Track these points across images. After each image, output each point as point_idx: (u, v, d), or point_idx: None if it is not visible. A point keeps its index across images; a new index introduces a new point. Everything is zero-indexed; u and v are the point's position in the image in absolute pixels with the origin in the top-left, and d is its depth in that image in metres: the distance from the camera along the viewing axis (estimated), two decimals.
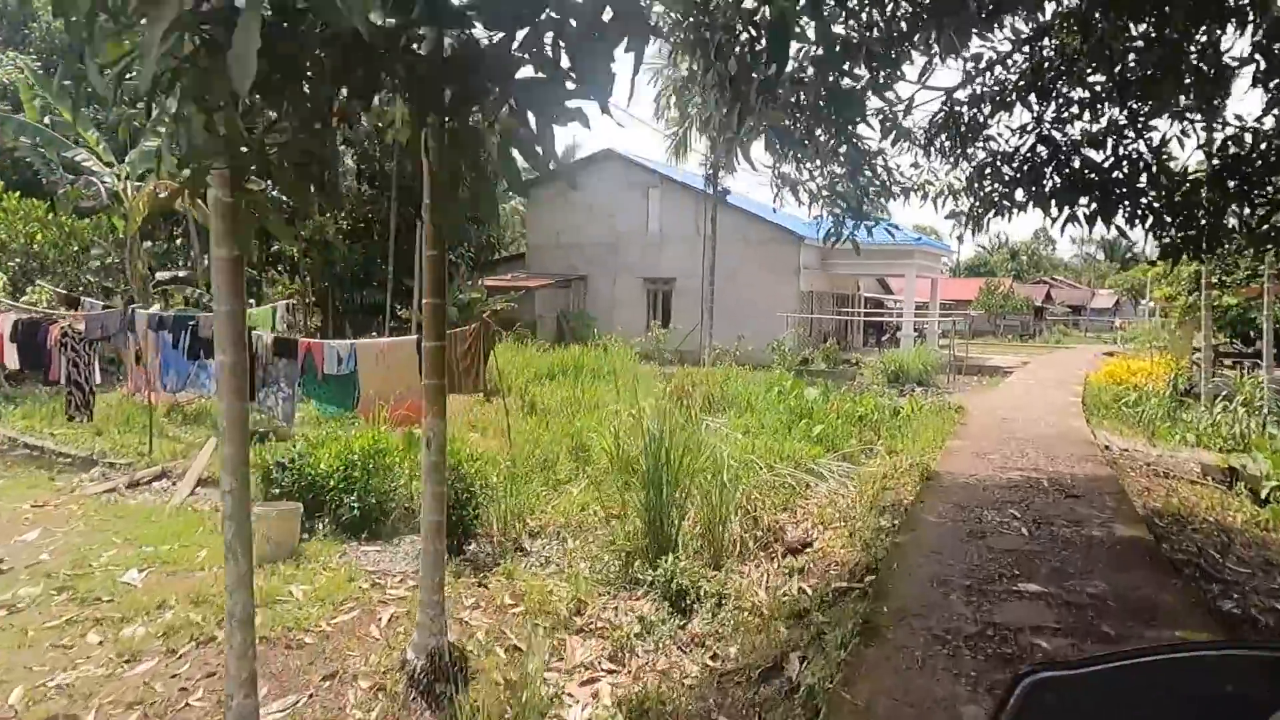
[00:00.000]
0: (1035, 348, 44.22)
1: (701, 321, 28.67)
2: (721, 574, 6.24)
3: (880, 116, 7.21)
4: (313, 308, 28.46)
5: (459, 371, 9.86)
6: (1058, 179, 8.04)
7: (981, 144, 8.32)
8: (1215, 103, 6.76)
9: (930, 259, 29.54)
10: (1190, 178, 7.70)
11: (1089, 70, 7.25)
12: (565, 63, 2.77)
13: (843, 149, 6.86)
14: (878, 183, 7.85)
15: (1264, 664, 1.09)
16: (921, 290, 32.61)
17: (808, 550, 6.63)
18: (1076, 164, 7.99)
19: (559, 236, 32.36)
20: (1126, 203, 7.71)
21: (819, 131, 6.53)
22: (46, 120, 17.05)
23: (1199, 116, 7.17)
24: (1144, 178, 7.55)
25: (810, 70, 5.93)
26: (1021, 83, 7.99)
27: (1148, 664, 1.05)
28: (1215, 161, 7.32)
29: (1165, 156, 7.52)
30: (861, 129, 7.10)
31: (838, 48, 5.26)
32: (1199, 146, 7.62)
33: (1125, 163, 7.61)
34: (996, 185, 8.26)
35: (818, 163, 7.42)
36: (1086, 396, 15.66)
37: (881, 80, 6.93)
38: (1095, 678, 1.05)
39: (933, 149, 8.14)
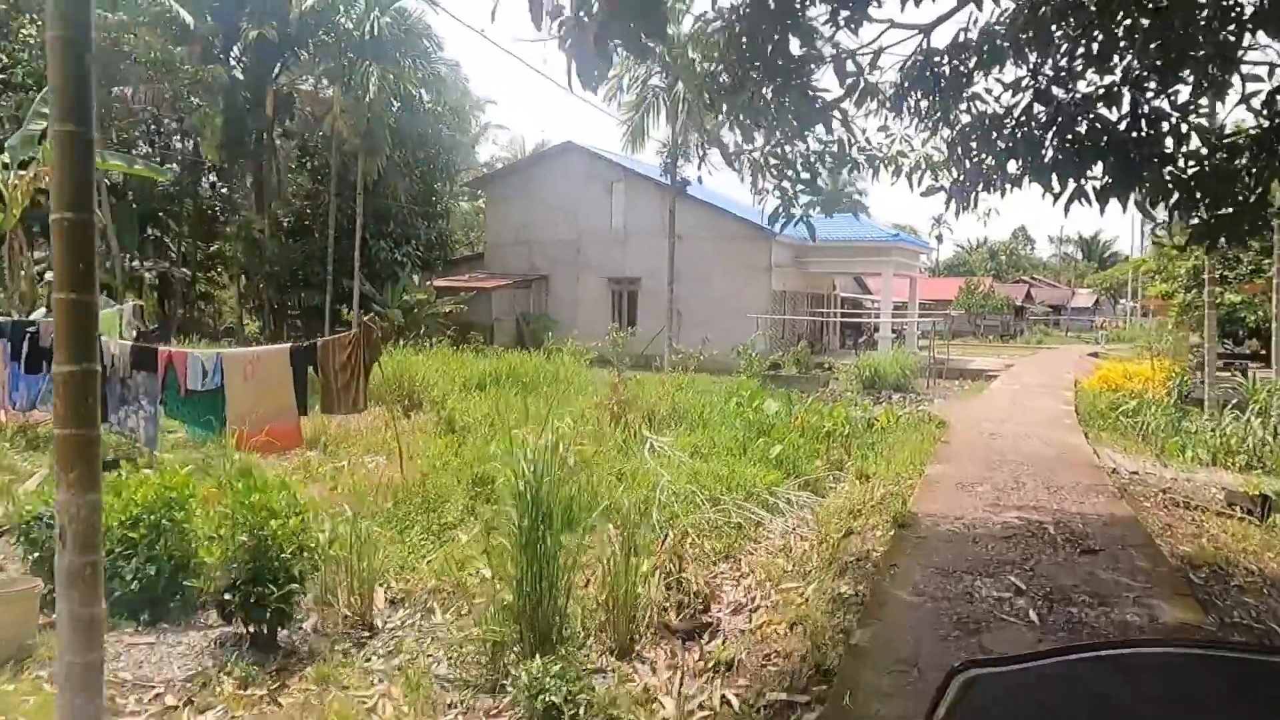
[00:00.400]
0: (1017, 349, 42.98)
1: (669, 323, 27.07)
2: (624, 667, 4.59)
3: (839, 59, 5.58)
4: (252, 312, 26.57)
5: (336, 388, 8.14)
6: (1060, 146, 6.45)
7: (965, 104, 6.71)
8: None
9: (908, 257, 28.09)
10: (1228, 140, 6.12)
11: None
12: None
13: (786, 98, 5.22)
14: (835, 148, 6.23)
15: (1196, 661, 1.10)
16: (900, 290, 31.20)
17: (744, 628, 4.98)
18: (1084, 128, 6.39)
19: (519, 234, 30.63)
20: (1147, 172, 6.13)
21: (754, 73, 4.88)
22: None
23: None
24: (1169, 140, 5.98)
25: None
26: (1014, 27, 6.40)
27: (1079, 661, 1.05)
28: (1263, 119, 5.76)
29: (1195, 110, 5.95)
30: (816, 76, 5.47)
31: None
32: (1241, 100, 6.04)
33: (1145, 122, 6.03)
34: (984, 154, 6.66)
35: (760, 122, 5.79)
36: (1081, 405, 14.18)
37: (843, 16, 5.33)
38: (1027, 674, 1.04)
39: (905, 108, 6.52)
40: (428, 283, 28.19)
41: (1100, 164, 6.25)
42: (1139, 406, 13.28)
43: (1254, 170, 5.97)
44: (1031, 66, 6.61)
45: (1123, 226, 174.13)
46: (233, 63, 24.54)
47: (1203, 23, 5.76)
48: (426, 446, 9.83)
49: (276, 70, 24.70)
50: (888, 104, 6.79)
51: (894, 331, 30.67)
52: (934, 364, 22.93)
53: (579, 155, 29.72)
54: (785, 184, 6.07)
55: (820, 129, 6.09)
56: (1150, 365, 15.43)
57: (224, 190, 24.95)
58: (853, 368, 19.33)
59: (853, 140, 6.17)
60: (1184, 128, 5.87)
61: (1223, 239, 6.20)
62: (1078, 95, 6.48)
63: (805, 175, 6.02)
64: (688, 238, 27.33)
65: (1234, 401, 12.52)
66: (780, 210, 6.24)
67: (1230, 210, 6.17)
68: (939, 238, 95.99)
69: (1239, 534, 7.19)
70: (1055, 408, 14.08)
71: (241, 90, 24.24)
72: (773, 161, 6.04)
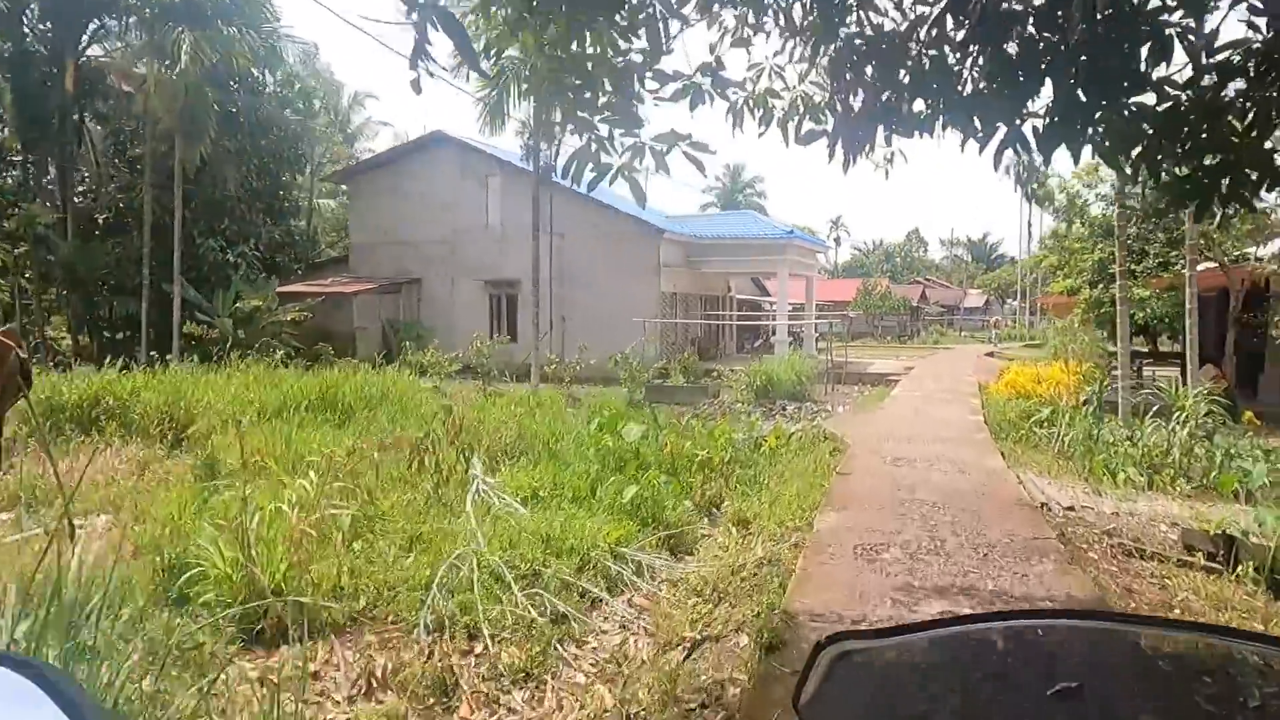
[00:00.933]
0: (916, 349, 42.61)
1: (550, 329, 24.81)
2: None
3: None
4: (60, 326, 22.79)
5: None
6: (986, 72, 4.54)
7: (853, 13, 4.73)
8: None
9: (803, 256, 26.68)
10: (1218, 61, 4.30)
11: None
12: None
13: None
14: (650, 71, 4.13)
15: (1055, 630, 1.14)
16: (796, 291, 29.85)
17: None
18: (1016, 46, 4.48)
19: (388, 234, 27.77)
20: (1107, 104, 4.26)
21: None
22: None
23: None
24: (1143, 54, 4.10)
25: None
26: None
27: (944, 635, 1.08)
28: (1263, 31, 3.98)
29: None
30: None
31: None
32: (1233, 4, 4.24)
33: (1107, 29, 4.15)
34: (882, 86, 4.67)
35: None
36: (990, 415, 12.71)
37: None
38: (892, 645, 1.06)
39: (769, 15, 4.48)
40: (279, 288, 25.01)
41: (1040, 96, 4.38)
42: (1053, 415, 11.83)
43: (1256, 101, 4.17)
44: None
45: (1009, 229, 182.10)
46: (29, 31, 20.86)
47: None
48: (172, 498, 7.25)
49: (84, 41, 21.18)
50: (748, 16, 4.73)
51: (791, 334, 29.28)
52: (832, 368, 21.45)
53: (450, 147, 27.11)
54: (581, 111, 3.88)
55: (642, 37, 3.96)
56: (1060, 368, 14.18)
57: (21, 181, 21.14)
58: (745, 376, 17.49)
59: (668, 48, 4.04)
60: (1165, 35, 4.01)
61: (1206, 199, 4.36)
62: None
63: (602, 106, 3.86)
64: (570, 236, 25.16)
65: (1155, 408, 11.16)
66: (576, 164, 4.03)
67: (1219, 160, 4.35)
68: (837, 239, 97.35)
69: (1212, 594, 5.46)
70: (963, 418, 12.56)
71: (41, 64, 20.62)
72: (546, 84, 3.86)
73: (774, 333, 25.61)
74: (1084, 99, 4.24)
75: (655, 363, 22.30)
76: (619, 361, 17.60)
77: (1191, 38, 4.22)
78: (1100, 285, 14.97)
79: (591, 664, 4.70)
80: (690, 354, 19.23)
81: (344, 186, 31.40)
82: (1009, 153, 4.57)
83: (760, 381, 17.00)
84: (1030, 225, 60.32)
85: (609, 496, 7.54)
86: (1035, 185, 60.96)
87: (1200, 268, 15.56)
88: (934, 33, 4.63)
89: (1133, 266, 14.94)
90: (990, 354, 34.22)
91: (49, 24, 20.67)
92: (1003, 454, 9.68)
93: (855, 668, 1.04)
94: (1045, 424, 11.89)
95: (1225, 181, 4.25)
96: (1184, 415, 10.37)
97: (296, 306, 21.17)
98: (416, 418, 10.98)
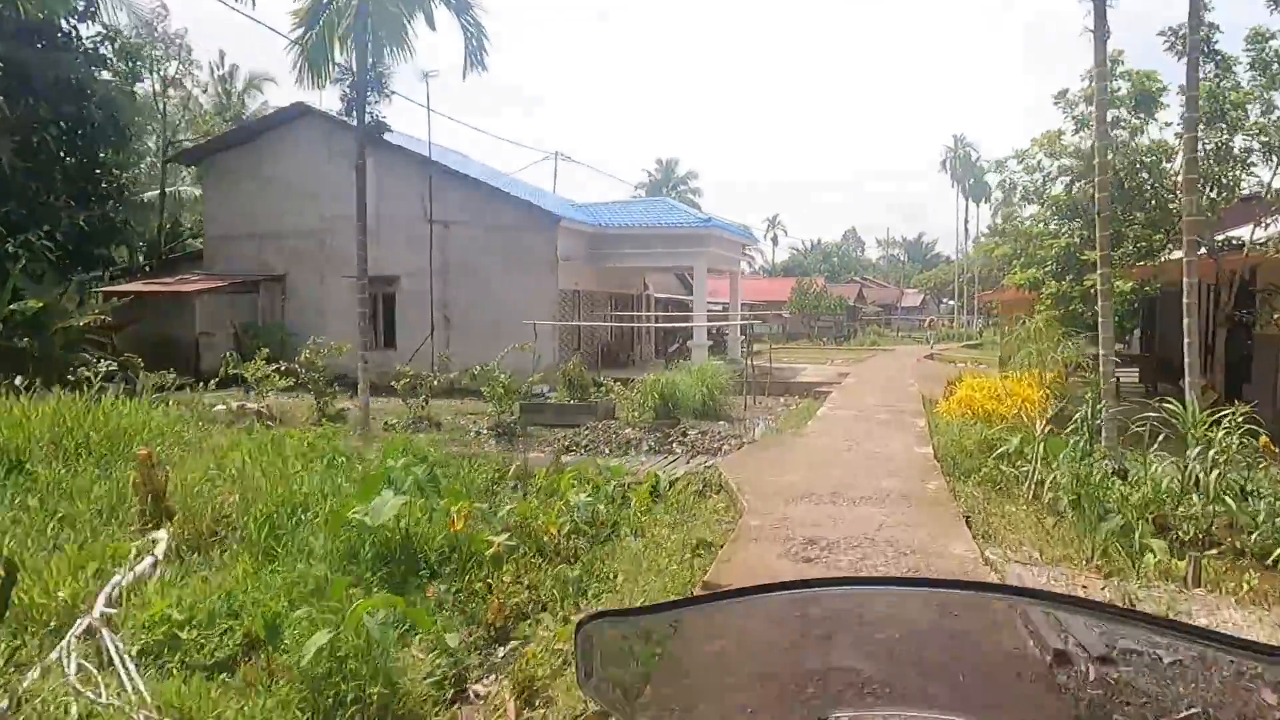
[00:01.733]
0: (852, 351, 40.09)
1: (433, 332, 21.23)
2: None
3: None
4: None
5: None
6: None
7: None
8: None
9: (726, 248, 23.60)
10: None
11: None
12: None
13: None
14: None
15: (809, 601, 1.11)
16: (720, 289, 26.85)
17: None
18: None
19: (249, 225, 23.77)
20: None
21: None
22: None
23: None
24: None
25: None
26: None
27: (700, 606, 1.15)
28: None
29: None
30: None
31: None
32: None
33: None
34: None
35: None
36: (940, 443, 9.70)
37: None
38: (644, 621, 1.10)
39: None
40: (107, 288, 20.88)
41: None
42: (1024, 446, 8.87)
43: None
44: None
45: (945, 229, 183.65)
46: None
47: None
48: None
49: None
50: None
51: (712, 338, 26.24)
52: (754, 377, 18.39)
53: (316, 122, 23.27)
54: None
55: None
56: (1022, 381, 11.31)
57: None
58: (642, 389, 14.23)
59: None
60: None
61: None
62: None
63: None
64: (455, 226, 21.62)
65: (1146, 432, 8.26)
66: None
67: None
68: (774, 238, 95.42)
69: None
70: (909, 453, 9.47)
71: None
72: None
73: (691, 336, 22.47)
74: None
75: (547, 372, 18.91)
76: (476, 376, 14.21)
77: None
78: (1069, 277, 12.21)
79: None
80: (575, 364, 15.88)
81: (196, 170, 27.14)
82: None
83: (658, 397, 13.77)
84: (967, 223, 58.87)
85: (294, 642, 4.16)
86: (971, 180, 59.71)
87: (1175, 255, 12.91)
88: None
89: (1109, 253, 12.19)
90: (929, 356, 31.78)
91: None
92: (968, 520, 6.55)
93: (607, 641, 1.05)
94: (1013, 458, 8.92)
95: None
96: (1208, 449, 7.47)
97: (98, 309, 17.11)
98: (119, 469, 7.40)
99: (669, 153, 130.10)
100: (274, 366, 14.57)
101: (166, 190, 28.63)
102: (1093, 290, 12.02)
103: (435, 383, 14.67)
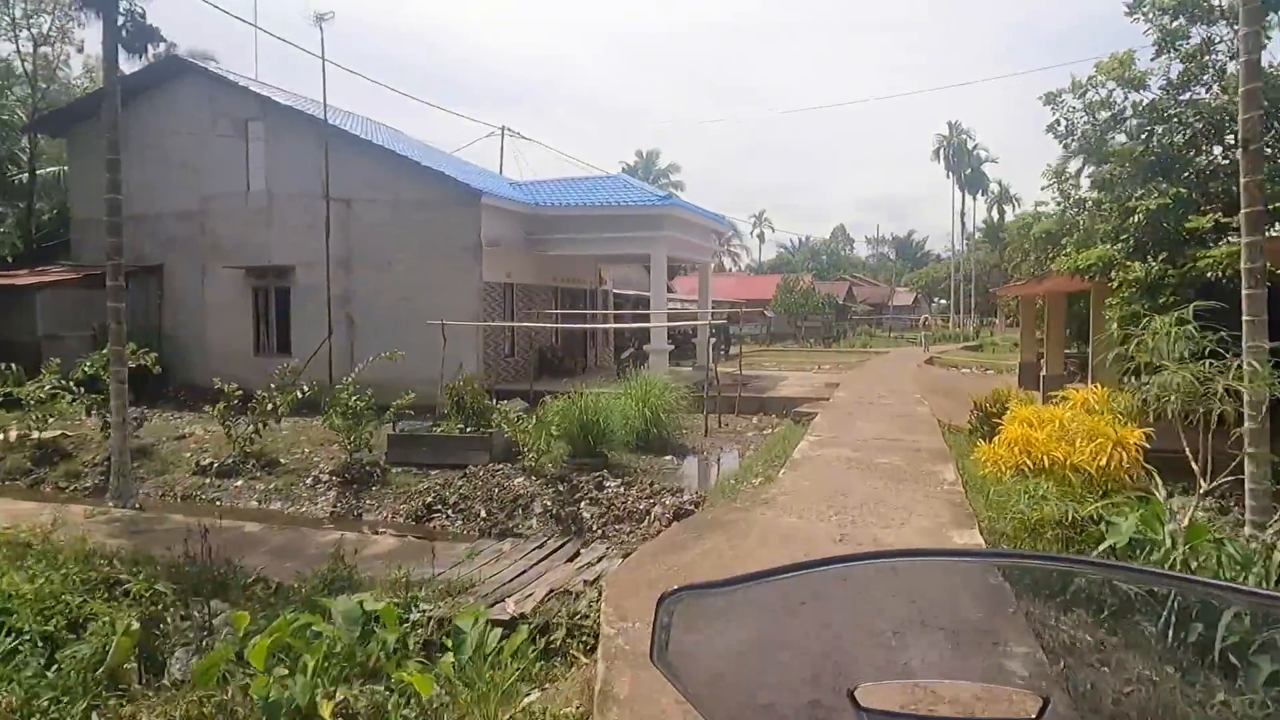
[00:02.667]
0: (842, 353, 36.32)
1: (330, 334, 17.29)
2: None
3: None
4: None
5: None
6: None
7: None
8: None
9: (692, 233, 19.70)
10: None
11: None
12: None
13: None
14: None
15: (896, 571, 1.13)
16: (687, 285, 22.97)
17: None
18: None
19: (122, 206, 19.67)
20: None
21: None
22: None
23: None
24: None
25: None
26: None
27: (786, 578, 1.05)
28: None
29: None
30: None
31: None
32: None
33: None
34: None
35: None
36: (990, 520, 5.86)
37: None
38: (731, 593, 1.06)
39: None
40: None
41: None
42: (1143, 530, 5.07)
43: None
44: None
45: (934, 225, 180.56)
46: None
47: None
48: None
49: None
50: None
51: (676, 340, 22.49)
52: (722, 391, 14.55)
53: (194, 79, 19.32)
54: None
55: None
56: (1094, 406, 7.48)
57: None
58: (563, 413, 10.27)
59: None
60: None
61: None
62: None
63: None
64: (360, 204, 17.68)
65: None
66: None
67: None
68: (761, 235, 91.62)
69: None
70: (940, 536, 5.62)
71: None
72: None
73: (649, 339, 18.57)
74: None
75: (479, 383, 14.95)
76: (318, 392, 10.36)
77: None
78: (1160, 255, 8.42)
79: None
80: (469, 380, 11.91)
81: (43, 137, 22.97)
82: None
83: (578, 427, 9.85)
84: (964, 215, 55.20)
85: None
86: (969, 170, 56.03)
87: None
88: None
89: (1218, 218, 8.39)
90: (930, 360, 28.00)
91: None
92: None
93: (693, 615, 1.05)
94: (1129, 552, 5.10)
95: None
96: None
97: None
98: None
99: (649, 144, 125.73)
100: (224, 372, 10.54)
101: (44, 171, 24.57)
102: (1193, 272, 8.20)
103: (277, 404, 10.67)
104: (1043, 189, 12.43)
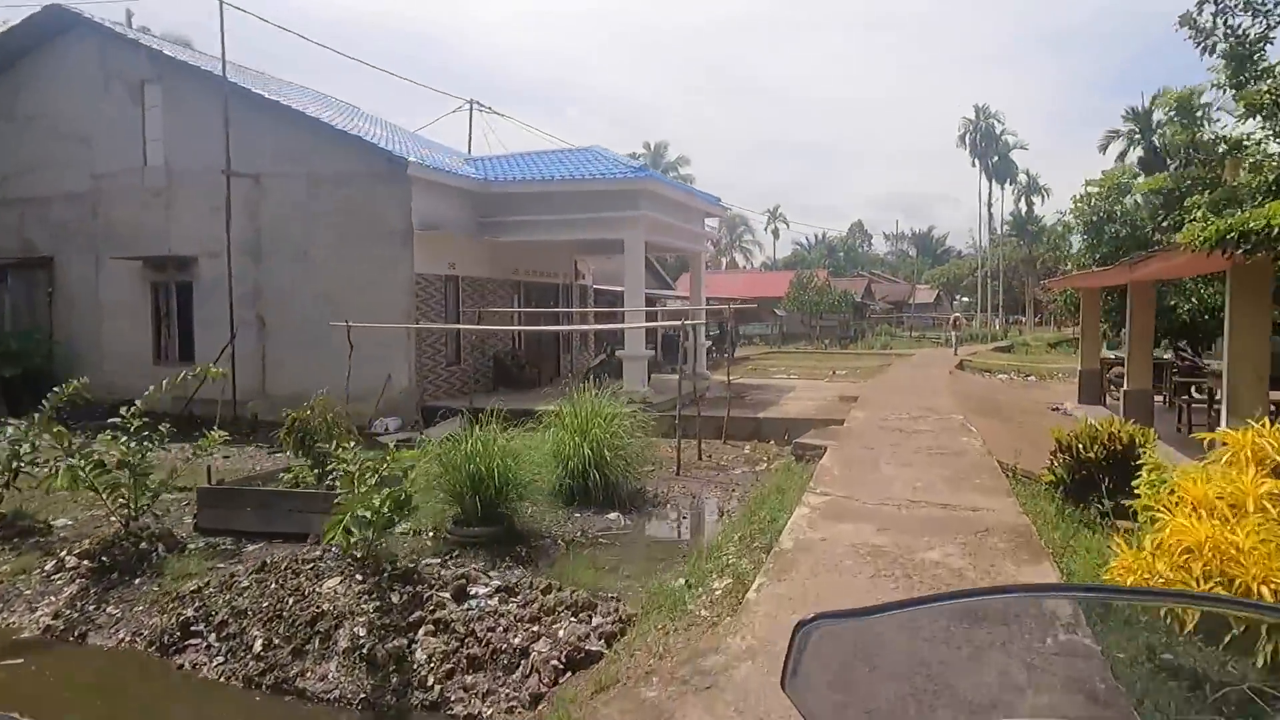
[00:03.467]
0: (861, 355, 32.82)
1: (233, 339, 14.16)
2: None
3: None
4: None
5: None
6: None
7: None
8: None
9: (677, 214, 16.35)
10: None
11: None
12: None
13: None
14: None
15: (1033, 604, 1.13)
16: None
17: None
18: None
19: (4, 188, 16.70)
20: None
21: None
22: None
23: None
24: None
25: None
26: None
27: (925, 610, 1.06)
28: None
29: None
30: None
31: None
32: None
33: None
34: None
35: None
36: None
37: None
38: (871, 623, 1.05)
39: None
40: None
41: None
42: None
43: None
44: None
45: (954, 223, 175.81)
46: None
47: None
48: None
49: None
50: None
51: (665, 344, 19.31)
52: (699, 410, 11.26)
53: (87, 38, 16.19)
54: None
55: None
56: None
57: None
58: (443, 462, 7.01)
59: None
60: None
61: None
62: None
63: None
64: (271, 180, 14.53)
65: None
66: None
67: None
68: (775, 231, 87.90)
69: None
70: None
71: None
72: None
73: (621, 344, 15.26)
74: None
75: (398, 400, 11.79)
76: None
77: None
78: None
79: None
80: (320, 405, 8.52)
81: None
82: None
83: (468, 483, 6.57)
84: (990, 206, 51.29)
85: None
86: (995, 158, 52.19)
87: None
88: None
89: None
90: (960, 365, 24.51)
91: None
92: None
93: (835, 645, 1.05)
94: None
95: None
96: None
97: None
98: None
99: (657, 135, 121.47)
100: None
101: None
102: None
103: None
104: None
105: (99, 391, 11.93)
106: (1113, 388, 13.96)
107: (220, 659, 4.79)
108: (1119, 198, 14.26)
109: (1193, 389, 11.10)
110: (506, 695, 4.22)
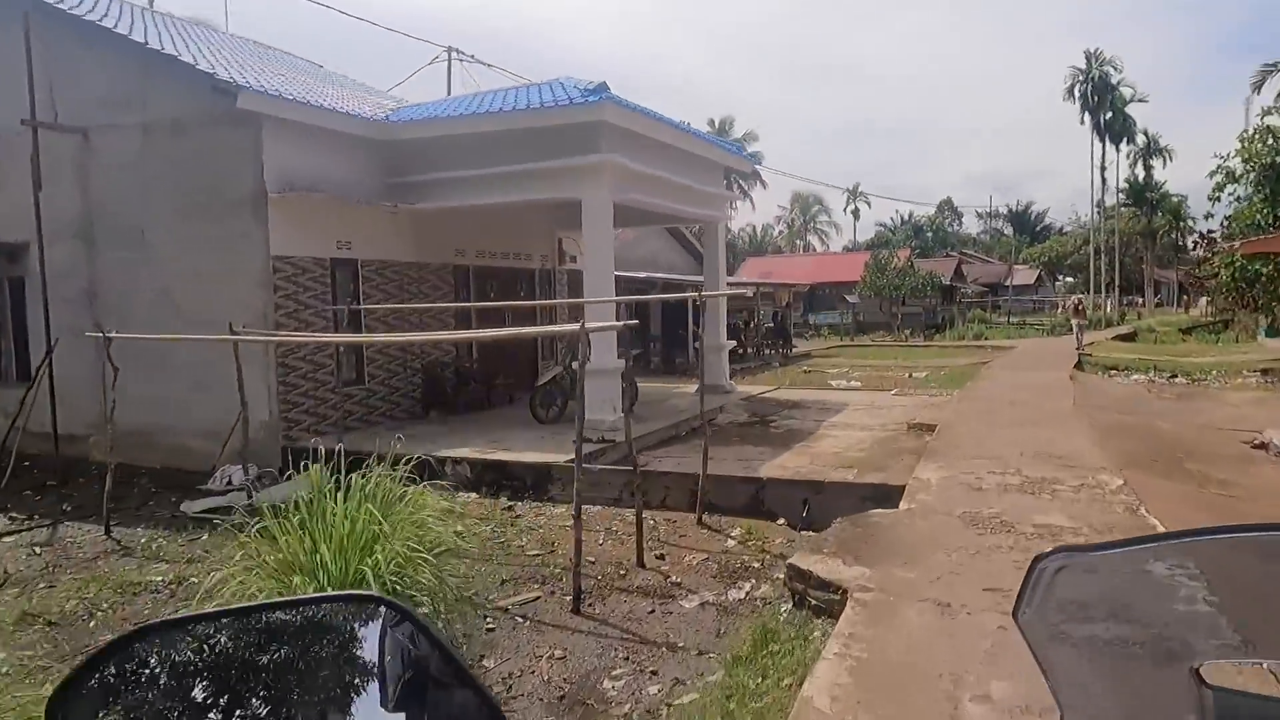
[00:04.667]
0: (947, 349, 27.27)
1: (50, 349, 10.34)
2: None
3: None
4: None
5: None
6: None
7: None
8: None
9: (661, 161, 11.53)
10: None
11: None
12: None
13: None
14: None
15: None
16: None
17: None
18: None
19: None
20: None
21: None
22: None
23: None
24: None
25: None
26: None
27: (1176, 545, 0.96)
28: None
29: None
30: None
31: None
32: None
33: None
34: None
35: None
36: None
37: None
38: (1116, 559, 0.98)
39: None
40: None
41: None
42: None
43: None
44: None
45: (1054, 198, 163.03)
46: None
47: None
48: None
49: None
50: None
51: (622, 351, 14.83)
52: (636, 469, 6.65)
53: None
54: None
55: None
56: None
57: None
58: None
59: None
60: None
61: None
62: None
63: None
64: (101, 135, 10.54)
65: None
66: None
67: None
68: (855, 211, 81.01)
69: None
70: None
71: None
72: None
73: (579, 346, 10.74)
74: None
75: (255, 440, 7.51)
76: None
77: None
78: None
79: None
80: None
81: None
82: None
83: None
84: (1104, 169, 43.91)
85: None
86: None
87: None
88: None
89: None
90: (1080, 364, 18.93)
91: None
92: None
93: (1076, 581, 0.97)
94: None
95: None
96: None
97: None
98: None
99: (721, 110, 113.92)
100: None
101: None
102: None
103: None
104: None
105: None
106: None
107: None
108: None
109: None
110: None
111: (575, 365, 10.62)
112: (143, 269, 10.37)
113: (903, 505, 5.90)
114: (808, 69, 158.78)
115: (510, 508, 7.83)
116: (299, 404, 9.87)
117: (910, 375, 17.40)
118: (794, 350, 26.61)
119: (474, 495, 8.31)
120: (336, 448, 8.81)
